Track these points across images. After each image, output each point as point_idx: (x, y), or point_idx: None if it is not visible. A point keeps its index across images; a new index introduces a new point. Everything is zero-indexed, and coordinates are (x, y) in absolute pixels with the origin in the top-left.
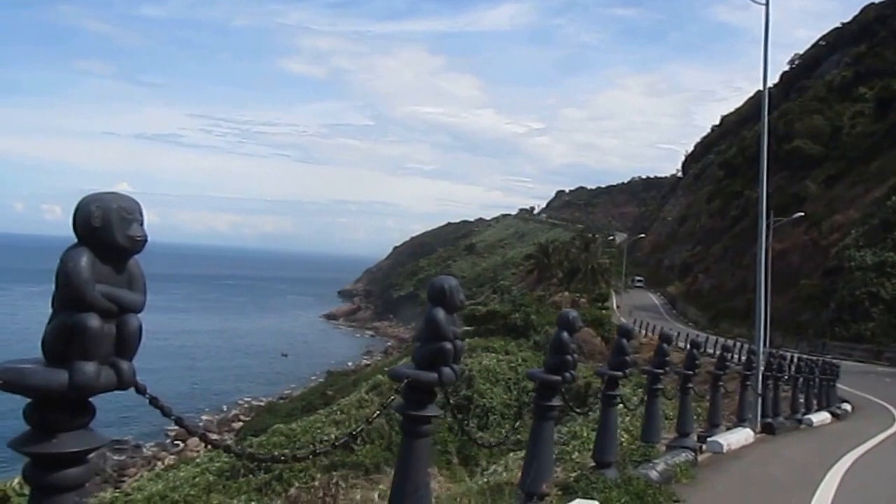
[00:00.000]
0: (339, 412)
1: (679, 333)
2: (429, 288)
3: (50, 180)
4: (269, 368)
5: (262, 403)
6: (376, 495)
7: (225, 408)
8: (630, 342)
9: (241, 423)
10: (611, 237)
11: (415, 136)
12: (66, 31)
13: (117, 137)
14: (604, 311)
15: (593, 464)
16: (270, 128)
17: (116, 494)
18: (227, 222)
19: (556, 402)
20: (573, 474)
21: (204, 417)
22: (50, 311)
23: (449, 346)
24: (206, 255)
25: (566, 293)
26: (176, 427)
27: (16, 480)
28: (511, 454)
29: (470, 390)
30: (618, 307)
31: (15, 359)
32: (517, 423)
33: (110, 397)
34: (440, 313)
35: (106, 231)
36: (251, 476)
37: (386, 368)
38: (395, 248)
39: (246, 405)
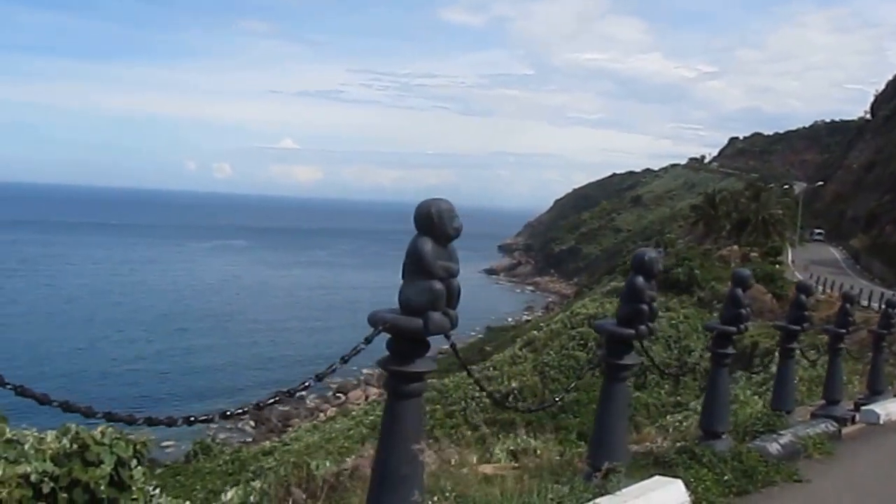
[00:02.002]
0: (491, 368)
1: (862, 290)
2: (632, 258)
3: (219, 139)
4: None
5: (439, 356)
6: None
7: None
8: (808, 299)
9: None
10: (786, 186)
11: (577, 83)
12: None
13: (282, 95)
14: (776, 266)
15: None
16: (430, 80)
17: (276, 443)
18: (388, 177)
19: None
20: (679, 444)
21: (365, 371)
22: (228, 267)
23: (645, 307)
24: (369, 211)
25: (735, 247)
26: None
27: (98, 430)
28: (668, 416)
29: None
30: (792, 262)
31: (382, 308)
32: (679, 385)
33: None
34: (640, 280)
35: (440, 225)
36: None
37: (541, 324)
38: (557, 200)
39: None
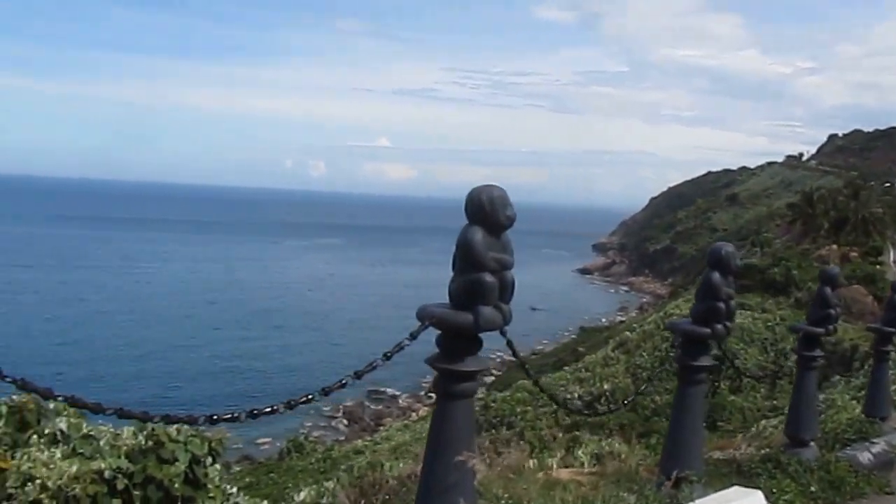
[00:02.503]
0: (583, 370)
1: None
2: (708, 253)
3: (315, 137)
4: (517, 322)
5: (513, 358)
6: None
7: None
8: None
9: (492, 378)
10: (887, 184)
11: (671, 81)
12: None
13: (376, 94)
14: (877, 267)
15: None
16: (523, 78)
17: (367, 442)
18: (481, 175)
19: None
20: (763, 451)
21: None
22: (323, 264)
23: (722, 305)
24: (461, 209)
25: (834, 246)
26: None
27: (174, 427)
28: (763, 420)
29: (721, 350)
30: (894, 262)
31: (430, 303)
32: (775, 388)
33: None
34: (717, 276)
35: (492, 213)
36: (493, 431)
37: (634, 325)
38: (652, 199)
39: (497, 359)
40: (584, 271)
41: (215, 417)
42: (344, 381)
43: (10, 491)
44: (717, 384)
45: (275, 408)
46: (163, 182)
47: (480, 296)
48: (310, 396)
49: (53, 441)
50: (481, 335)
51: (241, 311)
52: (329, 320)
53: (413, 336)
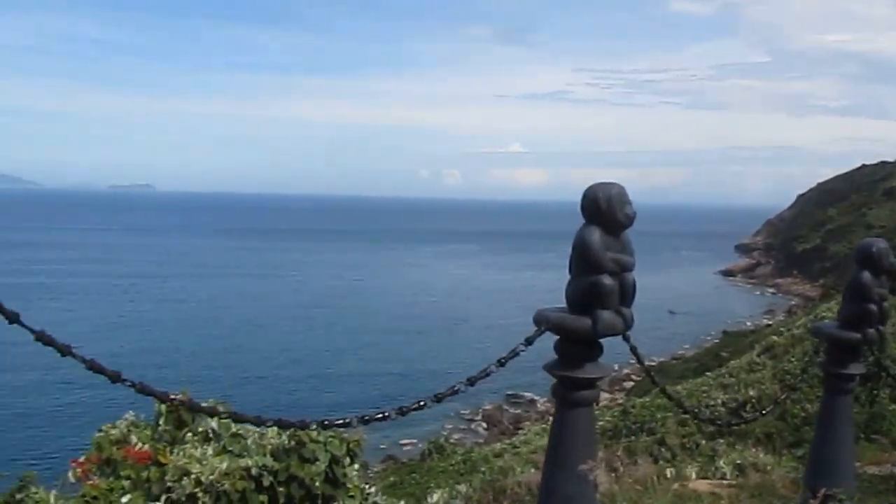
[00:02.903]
0: (727, 375)
1: None
2: (856, 250)
3: (449, 146)
4: (656, 327)
5: (653, 363)
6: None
7: (616, 367)
8: None
9: (632, 384)
10: None
11: (818, 69)
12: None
13: (507, 100)
14: None
15: None
16: (657, 75)
17: (506, 445)
18: (615, 177)
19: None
20: None
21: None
22: (459, 270)
23: (874, 307)
24: None
25: None
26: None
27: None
28: None
29: (882, 355)
30: None
31: (547, 307)
32: None
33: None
34: (867, 276)
35: (609, 212)
36: (633, 437)
37: (782, 329)
38: (800, 195)
39: (637, 365)
40: (727, 273)
41: (366, 418)
42: (456, 388)
43: (169, 484)
44: (875, 392)
45: (386, 414)
46: (302, 194)
47: (599, 299)
48: (421, 403)
49: (206, 439)
50: (602, 340)
51: (382, 317)
52: (466, 325)
53: (529, 341)
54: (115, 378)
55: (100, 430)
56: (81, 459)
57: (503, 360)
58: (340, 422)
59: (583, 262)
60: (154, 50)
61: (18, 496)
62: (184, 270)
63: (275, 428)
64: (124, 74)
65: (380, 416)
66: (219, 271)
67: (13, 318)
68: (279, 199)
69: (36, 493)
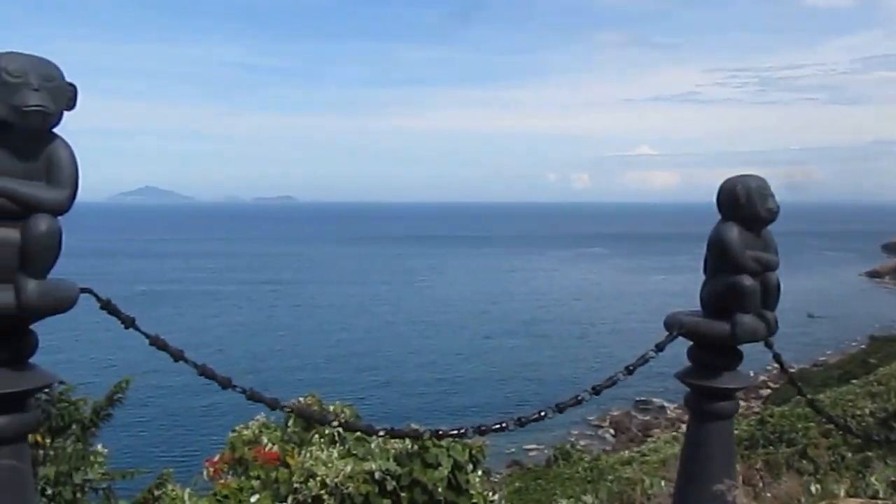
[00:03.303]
0: (876, 383)
1: None
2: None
3: (577, 150)
4: (794, 331)
5: (792, 370)
6: None
7: (752, 373)
8: None
9: (768, 391)
10: None
11: None
12: (582, 9)
13: (634, 102)
14: None
15: None
16: (794, 71)
17: (634, 454)
18: None
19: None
20: None
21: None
22: (588, 274)
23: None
24: None
25: None
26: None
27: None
28: None
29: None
30: None
31: (679, 310)
32: None
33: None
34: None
35: (749, 206)
36: (770, 448)
37: None
38: None
39: (775, 371)
40: (874, 274)
41: (483, 428)
42: (580, 398)
43: (296, 486)
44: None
45: (542, 414)
46: (440, 202)
47: (738, 302)
48: (542, 414)
49: (332, 441)
50: (741, 347)
51: (511, 321)
52: (594, 329)
53: (659, 348)
54: (226, 384)
55: (233, 431)
56: (215, 459)
57: (631, 368)
58: (455, 432)
59: (720, 261)
60: (299, 71)
61: (156, 493)
62: (320, 277)
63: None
64: (271, 95)
65: (497, 426)
66: (353, 278)
67: (129, 323)
68: (413, 208)
69: (172, 490)
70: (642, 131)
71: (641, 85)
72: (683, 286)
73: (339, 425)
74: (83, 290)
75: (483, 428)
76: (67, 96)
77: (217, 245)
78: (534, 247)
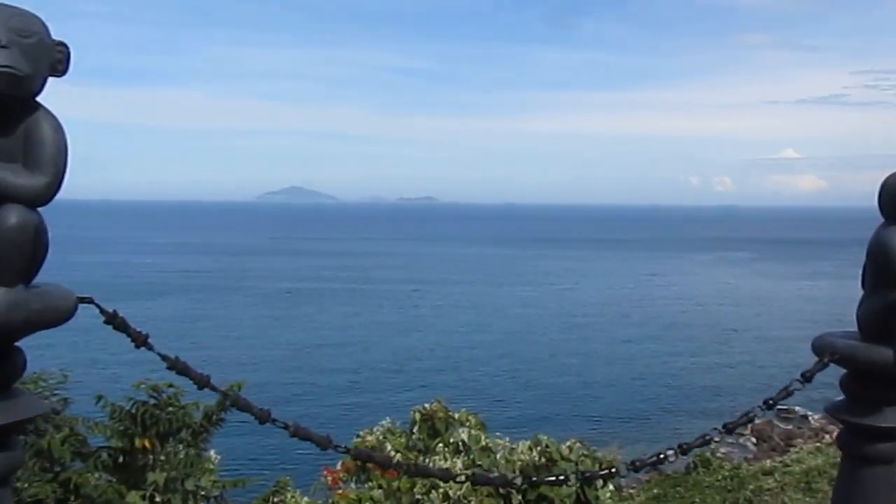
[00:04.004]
0: None
1: None
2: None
3: (719, 153)
4: None
5: None
6: None
7: None
8: None
9: None
10: None
11: None
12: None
13: (780, 105)
14: None
15: None
16: None
17: (776, 464)
18: None
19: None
20: None
21: None
22: (729, 279)
23: None
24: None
25: None
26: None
27: (566, 444)
28: None
29: None
30: None
31: (832, 331)
32: None
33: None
34: None
35: None
36: None
37: None
38: None
39: None
40: None
41: (637, 463)
42: (752, 415)
43: (418, 497)
44: None
45: (707, 438)
46: (578, 204)
47: None
48: (707, 437)
49: (456, 451)
50: None
51: (651, 326)
52: (737, 336)
53: (806, 378)
54: (264, 418)
55: (357, 436)
56: (338, 466)
57: (772, 402)
58: (605, 473)
59: (883, 273)
60: (442, 73)
61: (274, 500)
62: (460, 278)
63: (526, 442)
64: (414, 97)
65: (654, 459)
66: (492, 279)
67: (140, 341)
68: (551, 209)
69: (292, 497)
70: (787, 134)
71: (786, 87)
72: (828, 294)
73: (406, 472)
74: (82, 301)
75: (637, 463)
76: (54, 57)
77: (360, 244)
78: (675, 250)
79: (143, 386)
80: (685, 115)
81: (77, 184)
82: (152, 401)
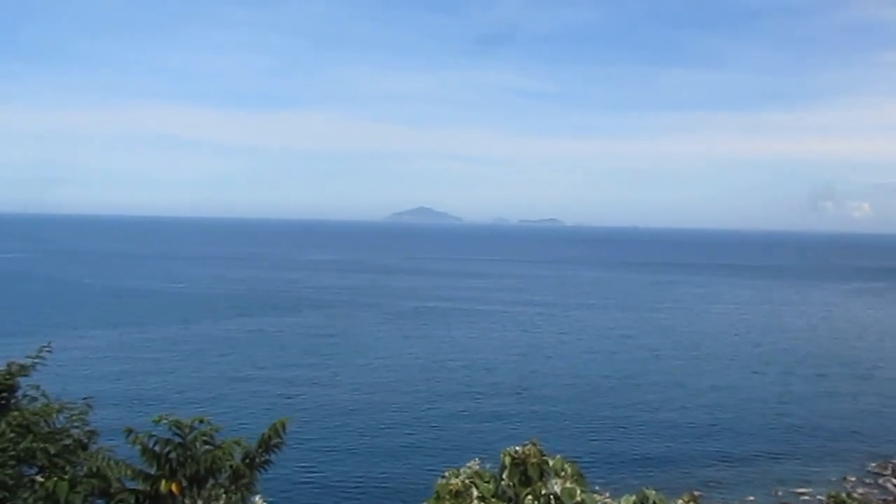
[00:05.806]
0: None
1: None
2: None
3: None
4: None
5: None
6: None
7: None
8: None
9: None
10: None
11: None
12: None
13: None
14: None
15: None
16: None
17: None
18: None
19: None
20: None
21: None
22: (868, 310)
23: None
24: None
25: None
26: None
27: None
28: None
29: None
30: None
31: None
32: None
33: None
34: None
35: None
36: None
37: None
38: None
39: None
40: None
41: None
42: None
43: None
44: None
45: None
46: (702, 228)
47: None
48: None
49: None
50: None
51: (784, 357)
52: (877, 372)
53: None
54: None
55: (442, 476)
56: None
57: None
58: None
59: None
60: (565, 95)
61: None
62: (585, 301)
63: (630, 497)
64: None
65: None
66: (618, 304)
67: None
68: (679, 233)
69: None
70: None
71: None
72: None
73: None
74: None
75: None
76: None
77: (484, 265)
78: (808, 279)
79: (164, 422)
80: (820, 136)
81: (249, 203)
82: (177, 439)
